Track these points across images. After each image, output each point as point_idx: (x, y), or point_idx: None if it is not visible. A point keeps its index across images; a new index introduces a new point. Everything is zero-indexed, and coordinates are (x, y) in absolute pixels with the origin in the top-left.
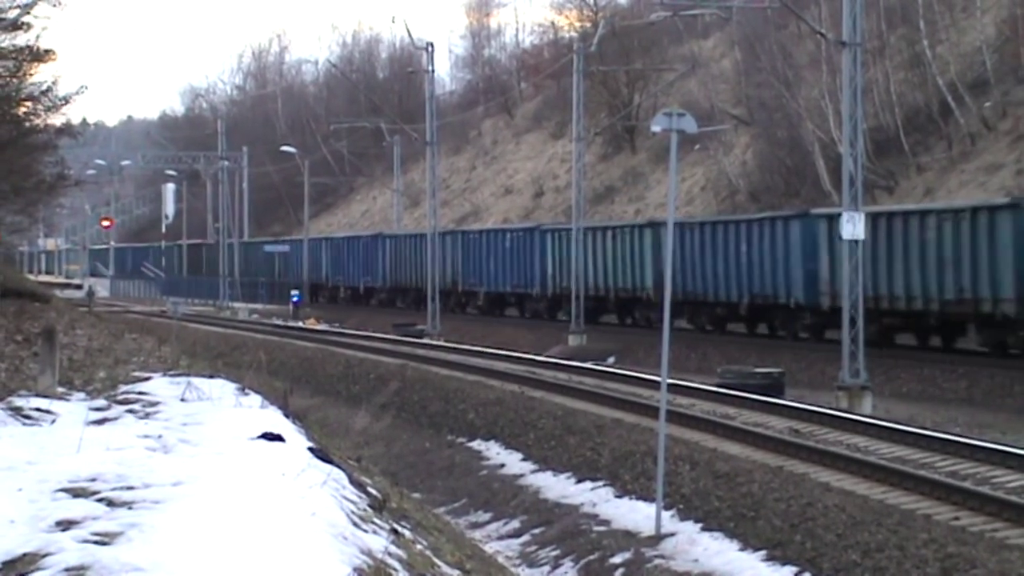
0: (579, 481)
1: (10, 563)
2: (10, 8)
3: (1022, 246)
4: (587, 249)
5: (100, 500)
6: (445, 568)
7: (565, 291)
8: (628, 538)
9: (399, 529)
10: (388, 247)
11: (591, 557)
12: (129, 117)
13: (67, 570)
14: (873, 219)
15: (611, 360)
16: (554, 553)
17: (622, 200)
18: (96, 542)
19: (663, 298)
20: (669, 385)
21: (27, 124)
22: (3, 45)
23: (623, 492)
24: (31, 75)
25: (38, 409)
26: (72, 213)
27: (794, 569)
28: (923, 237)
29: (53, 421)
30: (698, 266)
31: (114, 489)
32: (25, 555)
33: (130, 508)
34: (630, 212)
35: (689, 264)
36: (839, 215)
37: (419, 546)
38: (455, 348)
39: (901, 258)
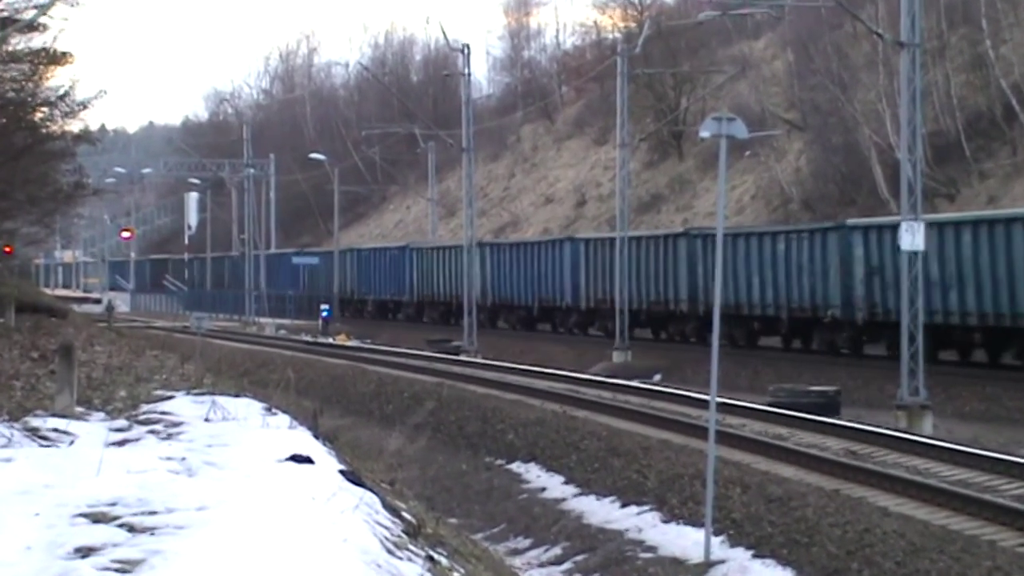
0: (624, 505)
1: None
2: (25, 8)
3: None
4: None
5: (121, 526)
6: None
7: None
8: (676, 566)
9: (435, 556)
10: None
11: None
12: (150, 123)
13: None
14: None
15: (657, 377)
16: None
17: (669, 209)
18: (117, 570)
19: (710, 312)
20: (719, 404)
21: (43, 130)
22: (18, 47)
23: (670, 517)
24: (48, 79)
25: (55, 430)
26: (90, 224)
27: None
28: (988, 246)
29: (71, 442)
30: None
31: (135, 514)
32: None
33: (152, 534)
34: (677, 222)
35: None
36: (877, 226)
37: (456, 574)
38: (493, 365)
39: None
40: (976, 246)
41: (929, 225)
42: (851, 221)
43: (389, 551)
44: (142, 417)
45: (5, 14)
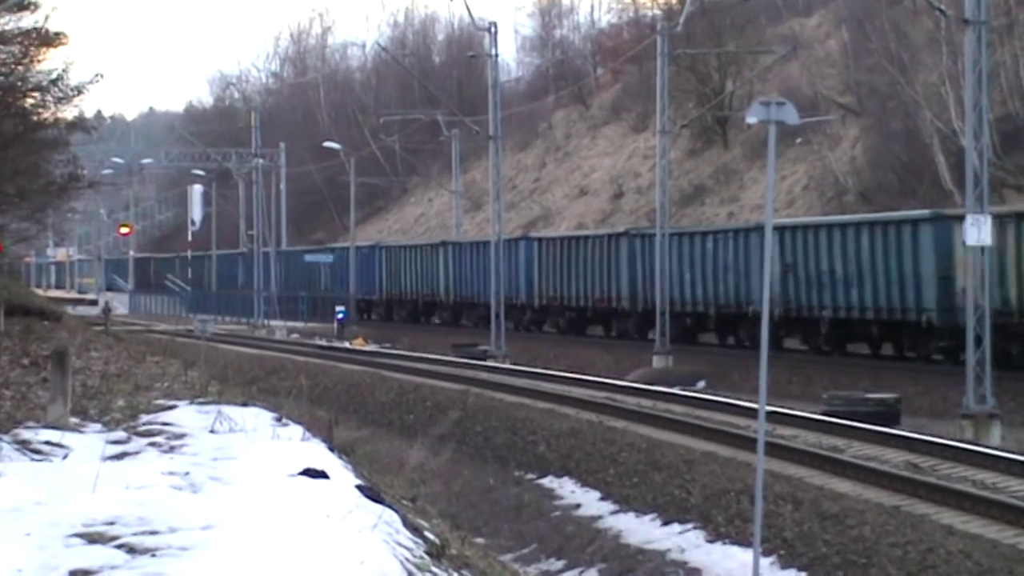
0: (666, 523)
1: None
2: None
3: None
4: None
5: (119, 546)
6: None
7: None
8: None
9: None
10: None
11: None
12: (151, 109)
13: None
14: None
15: (700, 384)
16: None
17: (713, 201)
18: None
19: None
20: (768, 413)
21: (34, 118)
22: (7, 27)
23: (716, 536)
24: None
25: (48, 442)
26: (86, 219)
27: None
28: None
29: (65, 456)
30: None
31: (135, 534)
32: None
33: (153, 555)
34: (722, 215)
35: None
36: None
37: None
38: (524, 372)
39: None
40: None
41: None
42: (950, 211)
43: (410, 574)
44: (142, 428)
45: None
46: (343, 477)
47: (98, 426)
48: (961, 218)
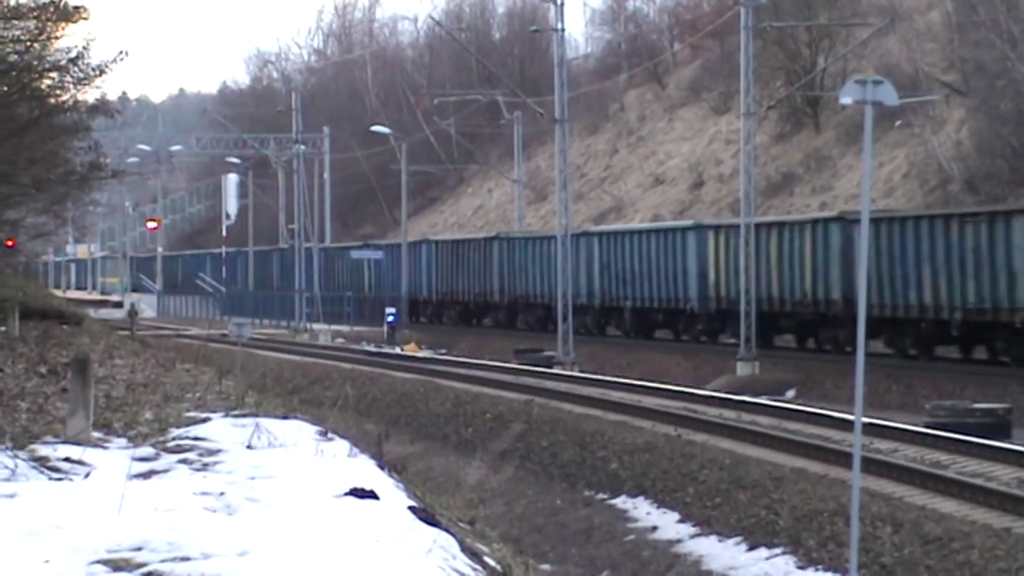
0: (751, 548)
1: None
2: None
3: None
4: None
5: (147, 574)
6: None
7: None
8: None
9: None
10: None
11: None
12: (181, 91)
13: None
14: None
15: (790, 394)
16: None
17: (803, 191)
18: None
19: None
20: (865, 425)
21: (52, 101)
22: (22, 1)
23: (807, 562)
24: (57, 39)
25: (68, 459)
26: (109, 212)
27: None
28: None
29: (87, 474)
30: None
31: (164, 560)
32: None
33: None
34: (814, 205)
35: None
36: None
37: None
38: (593, 380)
39: None
40: None
41: None
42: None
43: None
44: (172, 444)
45: None
46: (394, 497)
47: (123, 441)
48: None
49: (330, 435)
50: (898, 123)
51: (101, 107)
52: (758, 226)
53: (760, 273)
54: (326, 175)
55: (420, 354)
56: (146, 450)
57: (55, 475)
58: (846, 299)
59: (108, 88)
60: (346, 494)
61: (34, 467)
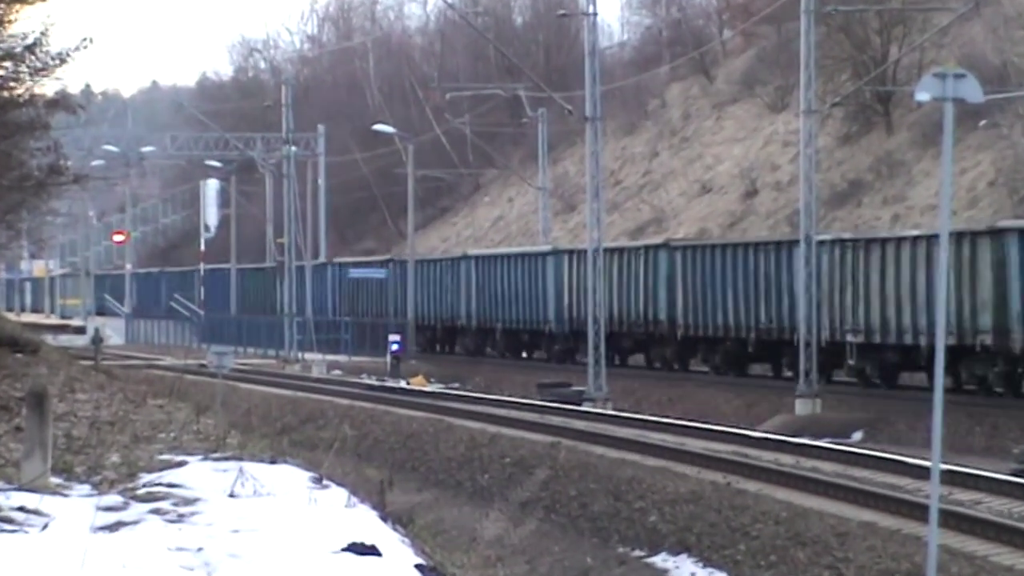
0: None
1: None
2: None
3: None
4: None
5: None
6: None
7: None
8: None
9: None
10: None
11: None
12: (153, 83)
13: None
14: None
15: (857, 436)
16: None
17: (873, 201)
18: None
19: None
20: (944, 473)
21: (5, 94)
22: None
23: None
24: (11, 23)
25: (23, 509)
26: (70, 223)
27: None
28: None
29: (45, 526)
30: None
31: None
32: None
33: None
34: (885, 218)
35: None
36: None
37: None
38: (629, 419)
39: None
40: None
41: None
42: None
43: None
44: (142, 491)
45: None
46: (399, 554)
47: (86, 488)
48: None
49: (325, 482)
50: (983, 123)
51: (61, 101)
52: (606, 250)
53: (608, 295)
54: (321, 181)
55: (428, 389)
56: (113, 498)
57: (8, 527)
58: (670, 320)
59: (69, 80)
60: (344, 550)
61: None
